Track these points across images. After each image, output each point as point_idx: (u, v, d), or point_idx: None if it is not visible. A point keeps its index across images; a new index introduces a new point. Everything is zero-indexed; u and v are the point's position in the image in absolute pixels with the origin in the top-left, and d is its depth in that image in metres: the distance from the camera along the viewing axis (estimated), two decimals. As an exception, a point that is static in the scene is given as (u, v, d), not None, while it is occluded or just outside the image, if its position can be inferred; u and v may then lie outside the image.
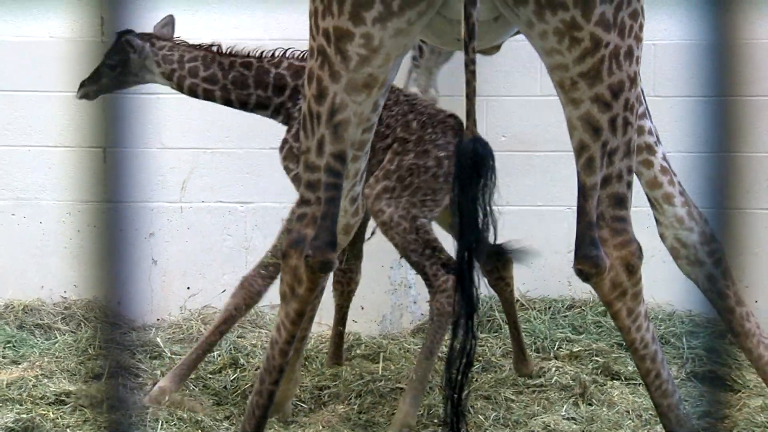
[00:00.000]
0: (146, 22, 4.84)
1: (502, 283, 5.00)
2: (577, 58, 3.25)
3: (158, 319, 5.82)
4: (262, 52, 4.89)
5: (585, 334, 5.58)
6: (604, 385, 5.02)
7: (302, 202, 3.47)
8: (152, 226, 5.93)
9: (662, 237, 4.22)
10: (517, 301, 5.81)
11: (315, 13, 3.30)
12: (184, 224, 5.55)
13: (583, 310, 5.80)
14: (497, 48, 4.32)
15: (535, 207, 5.83)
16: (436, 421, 4.56)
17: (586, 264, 3.38)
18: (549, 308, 5.82)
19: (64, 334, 5.61)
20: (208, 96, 4.90)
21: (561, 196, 5.83)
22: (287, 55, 4.91)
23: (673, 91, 5.73)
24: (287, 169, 4.80)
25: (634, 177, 3.51)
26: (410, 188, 4.55)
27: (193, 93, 4.92)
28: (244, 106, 4.91)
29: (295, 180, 4.76)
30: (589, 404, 4.78)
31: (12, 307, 5.82)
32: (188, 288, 5.87)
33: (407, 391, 4.51)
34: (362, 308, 5.89)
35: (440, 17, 3.32)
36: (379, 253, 5.27)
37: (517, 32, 3.56)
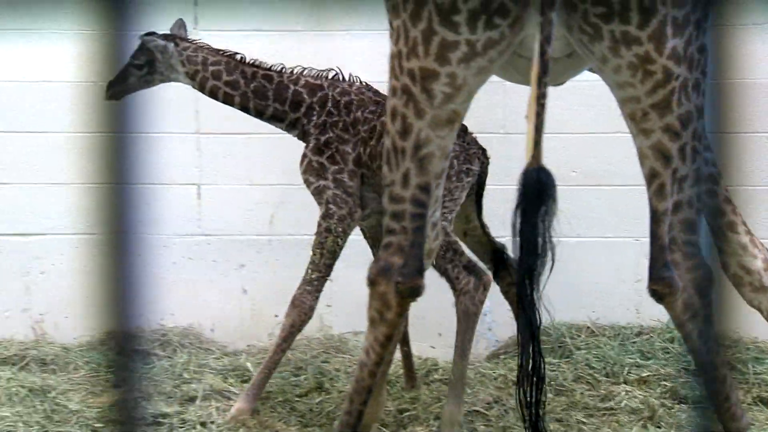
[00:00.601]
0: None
1: (514, 289, 5.03)
2: (649, 90, 3.30)
3: (248, 345, 5.89)
4: (282, 68, 4.98)
5: (653, 360, 5.56)
6: (672, 408, 5.00)
7: (388, 231, 3.48)
8: (243, 257, 6.02)
9: (725, 266, 4.17)
10: (588, 327, 5.84)
11: (398, 55, 3.35)
12: (272, 256, 5.66)
13: (651, 336, 5.78)
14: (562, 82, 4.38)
15: (603, 238, 5.85)
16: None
17: (660, 284, 3.40)
18: (618, 335, 5.80)
19: (161, 359, 5.71)
20: (227, 100, 4.99)
21: (628, 228, 5.83)
22: (305, 74, 4.99)
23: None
24: (307, 182, 4.91)
25: None
26: None
27: (213, 95, 5.00)
28: (260, 115, 5.01)
29: (316, 192, 4.89)
30: (658, 427, 4.76)
31: (113, 334, 5.93)
32: (276, 315, 5.94)
33: (450, 392, 4.60)
34: (440, 335, 5.91)
35: (515, 54, 3.37)
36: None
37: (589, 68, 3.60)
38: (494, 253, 5.01)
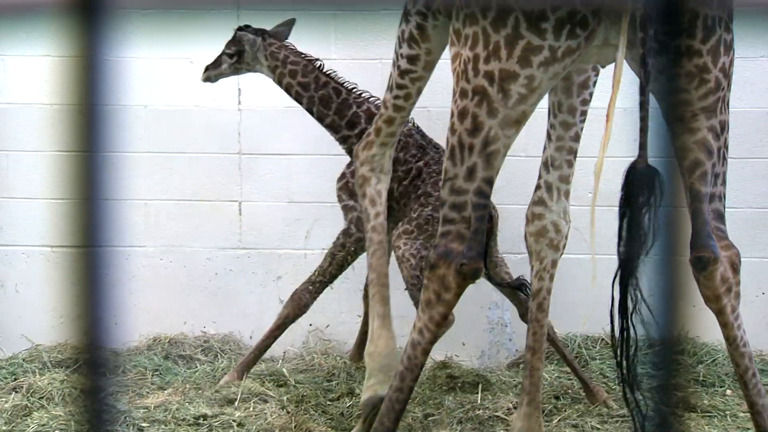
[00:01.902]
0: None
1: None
2: (702, 95, 3.47)
3: (284, 351, 5.92)
4: (353, 88, 5.11)
5: (663, 370, 5.54)
6: (681, 416, 4.98)
7: (446, 221, 3.57)
8: (280, 270, 6.06)
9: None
10: (602, 339, 5.83)
11: (474, 59, 3.41)
12: (307, 269, 5.68)
13: (663, 347, 5.76)
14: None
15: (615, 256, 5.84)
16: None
17: (706, 251, 3.49)
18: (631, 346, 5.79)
19: (203, 364, 5.75)
20: (297, 98, 5.17)
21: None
22: (370, 100, 5.11)
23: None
24: (339, 198, 5.10)
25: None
26: (425, 234, 4.77)
27: (287, 90, 5.19)
28: (320, 120, 5.17)
29: (345, 209, 5.09)
30: (668, 433, 4.76)
31: (159, 340, 5.99)
32: (310, 324, 5.97)
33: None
34: (463, 344, 5.93)
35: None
36: (478, 296, 5.36)
37: None
38: (511, 287, 5.10)
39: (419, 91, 4.25)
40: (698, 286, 3.56)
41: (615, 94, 3.38)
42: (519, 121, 3.45)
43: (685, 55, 3.41)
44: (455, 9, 3.51)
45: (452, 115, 3.53)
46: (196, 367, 5.71)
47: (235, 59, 5.19)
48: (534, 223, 4.43)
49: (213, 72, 5.23)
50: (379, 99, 5.11)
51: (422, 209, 4.86)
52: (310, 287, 5.12)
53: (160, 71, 5.98)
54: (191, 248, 6.12)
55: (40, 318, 6.12)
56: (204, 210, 6.10)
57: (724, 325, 3.63)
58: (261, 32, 5.18)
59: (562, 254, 4.45)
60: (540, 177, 4.45)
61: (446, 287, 3.57)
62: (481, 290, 5.40)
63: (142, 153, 6.04)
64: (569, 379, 5.38)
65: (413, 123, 5.13)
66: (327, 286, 5.16)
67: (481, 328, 5.90)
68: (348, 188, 5.05)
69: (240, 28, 5.18)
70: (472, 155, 3.48)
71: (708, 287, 3.56)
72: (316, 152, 5.78)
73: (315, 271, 5.16)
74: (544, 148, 4.43)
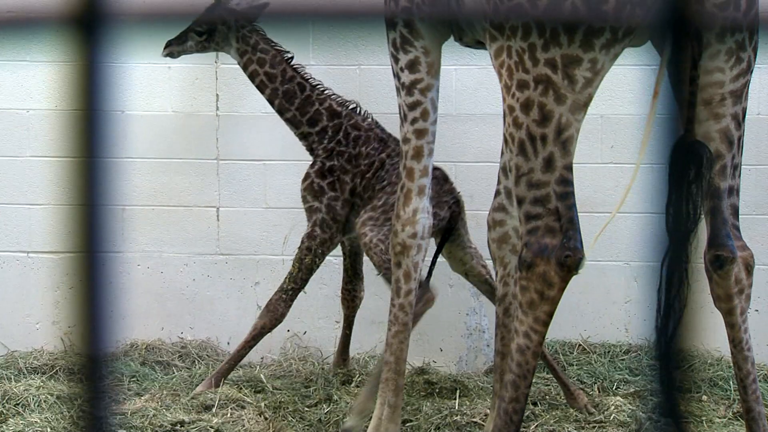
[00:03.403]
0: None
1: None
2: (734, 77, 3.45)
3: (262, 358, 5.91)
4: (316, 85, 5.05)
5: (641, 376, 5.58)
6: (659, 422, 5.00)
7: (530, 217, 3.45)
8: (258, 275, 6.04)
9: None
10: (579, 345, 5.85)
11: (530, 49, 3.34)
12: (285, 274, 5.66)
13: (639, 354, 5.80)
14: None
15: (596, 262, 5.86)
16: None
17: (724, 250, 3.47)
18: (608, 352, 5.82)
19: (181, 370, 5.73)
20: (260, 88, 5.08)
21: (619, 252, 5.85)
22: (332, 97, 5.07)
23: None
24: (304, 200, 5.05)
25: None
26: (389, 221, 4.73)
27: (251, 78, 5.09)
28: (280, 113, 5.12)
29: (309, 210, 5.02)
30: (645, 439, 4.79)
31: (136, 346, 5.97)
32: (288, 330, 5.96)
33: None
34: (441, 350, 5.93)
35: None
36: (456, 302, 5.36)
37: None
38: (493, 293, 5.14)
39: (435, 107, 4.12)
40: (710, 284, 3.53)
41: (661, 69, 3.33)
42: (586, 104, 3.38)
43: (728, 30, 3.38)
44: (490, 3, 3.43)
45: (512, 110, 3.42)
46: (174, 373, 5.68)
47: (204, 37, 5.03)
48: (496, 230, 4.40)
49: (177, 48, 5.06)
50: (339, 96, 5.11)
51: (387, 197, 4.85)
52: (284, 296, 5.08)
53: (137, 76, 5.96)
54: (169, 254, 6.10)
55: (15, 324, 6.09)
56: (182, 216, 6.08)
57: (732, 326, 3.61)
58: (233, 12, 5.05)
59: None
60: (499, 183, 4.41)
61: (549, 284, 3.42)
62: (459, 296, 5.42)
63: (120, 158, 6.01)
64: (546, 385, 5.39)
65: (372, 118, 5.12)
66: (299, 292, 5.12)
67: (459, 334, 5.90)
68: (313, 189, 5.01)
69: (216, 5, 5.05)
70: (547, 145, 3.38)
71: (721, 286, 3.54)
72: (293, 158, 5.76)
73: (285, 278, 5.11)
74: (502, 153, 4.41)
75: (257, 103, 5.54)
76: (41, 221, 6.02)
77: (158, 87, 5.94)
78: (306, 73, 5.11)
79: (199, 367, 5.73)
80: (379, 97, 5.80)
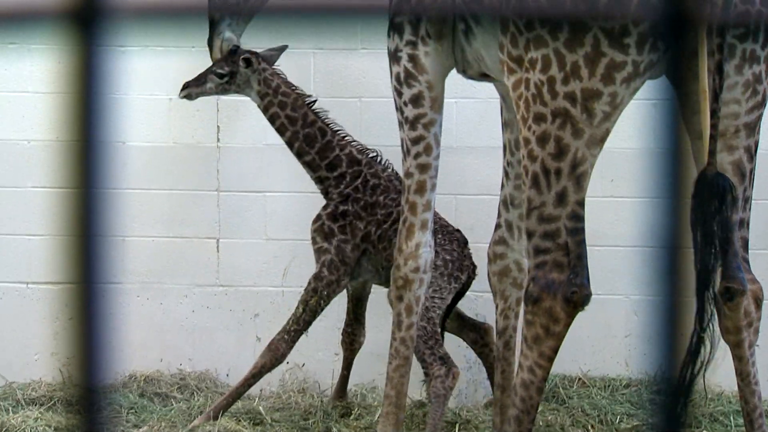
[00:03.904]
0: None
1: (486, 349, 5.15)
2: (749, 109, 3.47)
3: (261, 390, 5.88)
4: (337, 130, 5.04)
5: (641, 410, 5.56)
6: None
7: (538, 251, 3.43)
8: (257, 307, 6.03)
9: None
10: (580, 379, 5.83)
11: (549, 82, 3.32)
12: (285, 306, 5.66)
13: (639, 388, 5.78)
14: None
15: (596, 296, 5.82)
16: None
17: (735, 282, 3.47)
18: (608, 386, 5.80)
19: (179, 402, 5.69)
20: (281, 131, 5.03)
21: (618, 286, 5.84)
22: (353, 144, 5.06)
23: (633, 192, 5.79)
24: (313, 240, 5.01)
25: None
26: None
27: (271, 120, 5.05)
28: (299, 156, 5.07)
29: (317, 251, 4.97)
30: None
31: (135, 377, 5.93)
32: (287, 362, 5.92)
33: None
34: (438, 383, 5.90)
35: None
36: (456, 336, 5.34)
37: None
38: (464, 326, 5.18)
39: (438, 141, 4.12)
40: (719, 317, 3.52)
41: (706, 105, 3.30)
42: (603, 139, 3.37)
43: (747, 61, 3.38)
44: (507, 36, 3.42)
45: (527, 143, 3.40)
46: (172, 405, 5.64)
47: (225, 79, 4.98)
48: (497, 263, 4.41)
49: (195, 90, 4.99)
50: (359, 143, 5.11)
51: None
52: (286, 336, 5.03)
53: (139, 108, 5.97)
54: (168, 285, 6.09)
55: (14, 355, 6.07)
56: (182, 247, 6.07)
57: (740, 359, 3.60)
58: (255, 55, 5.04)
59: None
60: (500, 216, 4.42)
61: (555, 319, 3.42)
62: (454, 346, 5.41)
63: (120, 189, 6.01)
64: (544, 416, 5.37)
65: (392, 169, 5.11)
66: (302, 333, 5.07)
67: (459, 367, 5.86)
68: (323, 231, 4.99)
69: (236, 48, 5.03)
70: (561, 179, 3.36)
71: (731, 319, 3.53)
72: (293, 190, 5.76)
73: (289, 319, 5.07)
74: (502, 186, 4.41)
75: (258, 134, 5.55)
76: (40, 252, 6.02)
77: (159, 118, 5.95)
78: (327, 118, 5.08)
79: (198, 399, 5.69)
80: (380, 130, 5.82)
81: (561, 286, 3.38)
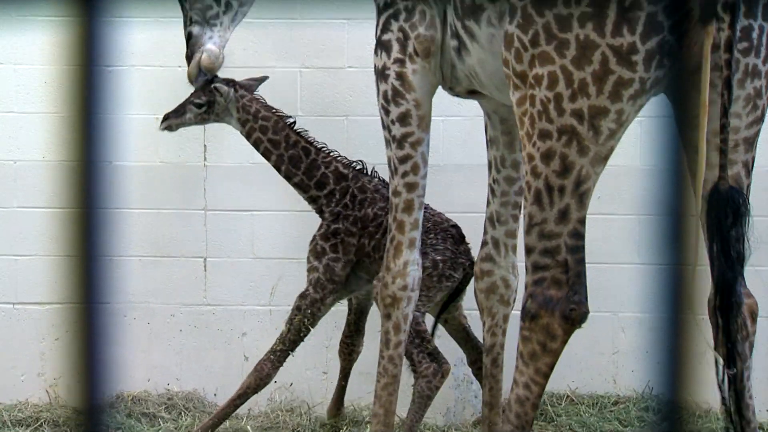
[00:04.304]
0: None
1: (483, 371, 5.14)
2: (749, 123, 3.47)
3: (249, 409, 5.86)
4: (322, 147, 5.05)
5: (629, 427, 5.56)
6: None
7: (537, 268, 3.43)
8: (245, 326, 6.02)
9: None
10: (568, 396, 5.83)
11: (556, 99, 3.32)
12: (272, 325, 5.65)
13: (628, 405, 5.78)
14: None
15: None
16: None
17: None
18: (596, 403, 5.80)
19: (167, 422, 5.68)
20: (265, 155, 5.06)
21: (605, 303, 5.84)
22: (338, 159, 5.07)
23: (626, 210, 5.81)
24: (308, 260, 5.01)
25: None
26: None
27: (255, 146, 5.07)
28: (287, 179, 5.09)
29: (308, 270, 4.98)
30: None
31: (122, 397, 5.90)
32: (275, 381, 5.91)
33: None
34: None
35: None
36: (444, 353, 5.33)
37: None
38: (468, 342, 5.12)
39: (425, 160, 4.13)
40: (714, 330, 3.54)
41: (704, 118, 3.31)
42: (607, 157, 3.37)
43: (749, 75, 3.40)
44: (511, 51, 3.42)
45: (531, 159, 3.40)
46: (160, 425, 5.63)
47: (203, 109, 5.01)
48: (483, 280, 4.43)
49: (175, 121, 5.01)
50: (344, 157, 5.12)
51: None
52: (272, 356, 5.01)
53: (126, 127, 5.96)
54: (155, 304, 6.07)
55: (0, 375, 6.04)
56: (169, 266, 6.06)
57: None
58: (233, 83, 5.07)
59: (512, 308, 4.48)
60: (486, 233, 4.44)
61: (552, 336, 3.41)
62: (447, 347, 5.39)
63: (108, 209, 6.00)
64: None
65: (379, 177, 5.12)
66: (288, 354, 5.05)
67: (447, 385, 5.85)
68: (316, 250, 5.00)
69: (212, 79, 5.05)
70: (564, 197, 3.36)
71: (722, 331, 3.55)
72: (280, 209, 5.76)
73: (276, 339, 5.07)
74: (488, 203, 4.43)
75: (245, 154, 5.54)
76: (27, 272, 6.00)
77: (147, 138, 5.94)
78: (310, 137, 5.08)
79: (186, 419, 5.68)
80: (367, 148, 5.83)
81: (559, 303, 3.39)
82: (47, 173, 5.87)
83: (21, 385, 6.02)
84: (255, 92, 5.15)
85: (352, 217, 4.98)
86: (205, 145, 6.00)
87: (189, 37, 4.95)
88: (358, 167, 5.12)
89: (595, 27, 3.24)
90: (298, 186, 5.08)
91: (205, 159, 6.01)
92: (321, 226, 5.04)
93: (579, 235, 3.42)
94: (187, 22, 4.95)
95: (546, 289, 3.41)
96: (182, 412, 5.80)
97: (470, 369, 5.42)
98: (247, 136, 5.08)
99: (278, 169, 5.08)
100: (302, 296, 4.99)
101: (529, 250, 3.45)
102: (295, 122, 5.10)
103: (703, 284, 3.64)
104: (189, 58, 4.99)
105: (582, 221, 3.42)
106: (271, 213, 5.93)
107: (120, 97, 5.93)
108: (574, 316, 3.40)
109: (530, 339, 3.45)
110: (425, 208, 4.99)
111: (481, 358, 5.06)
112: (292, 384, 5.97)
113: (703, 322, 4.04)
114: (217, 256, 6.07)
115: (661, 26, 3.25)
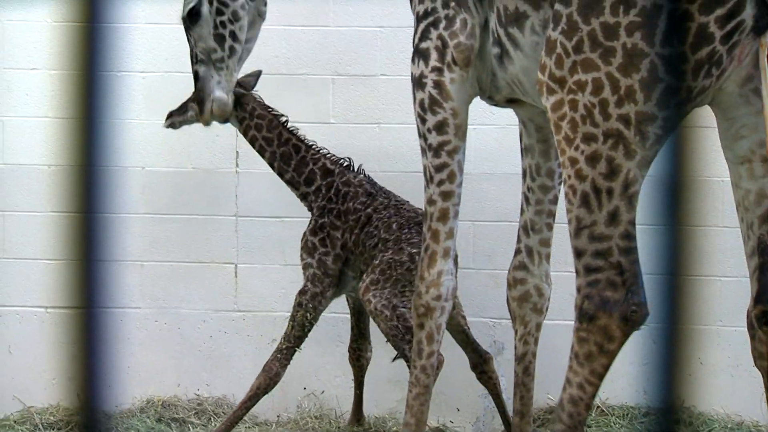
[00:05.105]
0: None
1: (485, 376, 5.11)
2: None
3: (278, 416, 5.89)
4: (311, 145, 5.13)
5: (660, 440, 5.52)
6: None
7: (590, 270, 3.40)
8: (275, 333, 6.01)
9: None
10: (598, 407, 5.80)
11: (601, 104, 3.31)
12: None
13: (658, 417, 5.74)
14: None
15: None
16: None
17: None
18: (626, 414, 5.77)
19: (197, 427, 5.71)
20: (260, 152, 5.19)
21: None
22: (327, 156, 5.14)
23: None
24: (301, 257, 5.10)
25: None
26: (390, 280, 4.73)
27: (251, 143, 5.20)
28: (280, 175, 5.20)
29: (303, 267, 5.05)
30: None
31: (152, 402, 5.94)
32: (304, 388, 5.93)
33: None
34: (458, 410, 5.89)
35: None
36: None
37: None
38: (468, 345, 5.11)
39: (461, 169, 4.12)
40: (752, 342, 3.52)
41: None
42: (652, 161, 3.35)
43: None
44: (552, 56, 3.40)
45: (574, 162, 3.39)
46: (189, 430, 5.66)
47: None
48: (516, 288, 4.42)
49: (178, 119, 5.16)
50: (333, 155, 5.14)
51: (382, 255, 4.85)
52: (278, 355, 5.05)
53: (157, 133, 6.01)
54: (186, 310, 6.10)
55: (32, 379, 6.09)
56: (200, 272, 6.09)
57: None
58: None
59: (545, 317, 4.47)
60: (519, 241, 4.43)
61: (610, 337, 3.37)
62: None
63: (139, 214, 6.05)
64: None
65: (364, 174, 5.16)
66: (294, 351, 5.07)
67: (476, 394, 5.87)
68: (307, 247, 5.08)
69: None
70: (613, 199, 3.34)
71: (765, 343, 3.53)
72: (309, 215, 5.77)
73: (281, 338, 5.10)
74: (522, 211, 4.42)
75: (277, 160, 5.56)
76: (60, 276, 6.04)
77: (178, 143, 5.98)
78: (302, 135, 5.18)
79: (215, 424, 5.67)
80: (399, 157, 5.83)
81: (617, 304, 3.36)
82: (78, 178, 5.92)
83: (52, 389, 6.06)
84: (252, 89, 5.23)
85: (336, 211, 5.05)
86: (237, 152, 6.02)
87: (196, 76, 5.04)
88: (345, 164, 5.17)
89: (644, 36, 3.23)
90: (290, 183, 5.18)
91: (237, 165, 6.04)
92: (310, 222, 5.10)
93: (631, 237, 3.38)
94: (194, 59, 5.05)
95: (602, 291, 3.37)
96: (212, 418, 5.82)
97: (502, 378, 5.40)
98: (244, 134, 5.21)
99: (272, 166, 5.20)
100: (302, 292, 5.04)
101: (579, 253, 3.42)
102: (287, 120, 5.17)
103: (740, 296, 3.61)
104: (196, 100, 5.08)
105: (632, 223, 3.39)
106: (302, 220, 5.92)
107: (153, 103, 5.97)
108: (636, 317, 3.36)
109: (587, 340, 3.41)
110: (397, 201, 5.02)
111: (482, 362, 5.07)
112: (323, 392, 5.97)
113: (736, 333, 4.02)
114: (248, 262, 6.09)
115: (712, 37, 3.24)
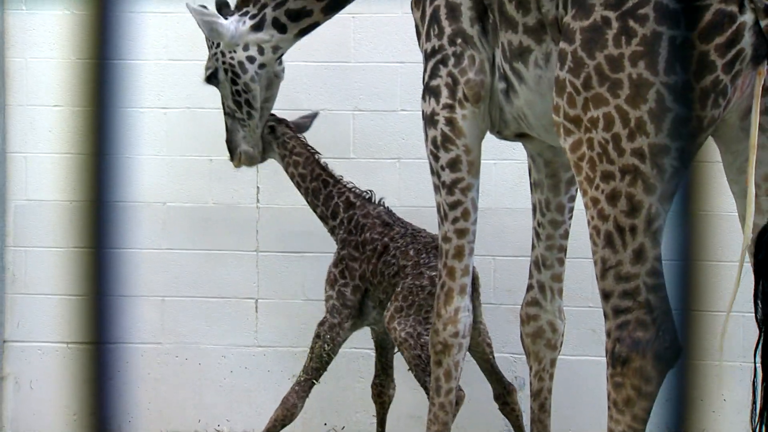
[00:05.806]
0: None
1: (507, 408, 5.08)
2: None
3: (298, 451, 5.87)
4: (339, 180, 5.19)
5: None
6: None
7: (619, 311, 3.34)
8: (296, 368, 5.93)
9: None
10: None
11: (614, 140, 3.29)
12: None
13: None
14: None
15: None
16: None
17: None
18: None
19: (217, 462, 5.72)
20: (298, 187, 5.31)
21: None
22: (351, 189, 5.18)
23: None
24: (325, 290, 5.12)
25: None
26: (414, 306, 4.74)
27: (291, 179, 5.32)
28: (313, 210, 5.29)
29: (325, 299, 5.06)
30: None
31: (173, 437, 5.97)
32: (325, 424, 5.93)
33: None
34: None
35: None
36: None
37: None
38: (492, 374, 5.09)
39: (475, 206, 4.11)
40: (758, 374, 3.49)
41: (752, 162, 3.29)
42: (674, 194, 3.31)
43: None
44: (563, 97, 3.39)
45: (596, 203, 3.35)
46: (210, 465, 5.67)
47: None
48: (530, 324, 4.40)
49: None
50: (357, 188, 5.16)
51: (403, 282, 4.85)
52: (296, 387, 5.05)
53: (179, 168, 6.05)
54: (207, 345, 6.11)
55: (53, 415, 6.10)
56: (220, 307, 6.10)
57: None
58: (280, 121, 5.32)
59: (559, 353, 4.44)
60: (531, 277, 4.41)
61: (647, 379, 3.31)
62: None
63: (160, 250, 6.07)
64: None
65: (383, 205, 5.18)
66: (312, 383, 5.06)
67: (498, 428, 5.85)
68: (330, 279, 5.11)
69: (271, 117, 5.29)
70: (637, 236, 3.30)
71: None
72: (331, 251, 5.78)
73: (300, 372, 5.09)
74: (533, 247, 4.41)
75: (297, 195, 5.57)
76: (81, 312, 6.06)
77: (199, 179, 6.01)
78: (332, 171, 5.23)
79: (235, 460, 5.71)
80: (419, 192, 5.85)
81: (649, 344, 3.30)
82: (98, 214, 5.95)
83: (73, 425, 6.07)
84: (308, 129, 5.37)
85: (354, 242, 5.08)
86: (258, 187, 6.05)
87: (226, 126, 5.19)
88: (367, 196, 5.21)
89: (647, 65, 3.23)
90: (321, 218, 5.27)
91: (258, 200, 6.07)
92: (334, 255, 5.14)
93: (658, 273, 3.33)
94: (224, 109, 5.15)
95: (632, 332, 3.32)
96: (232, 453, 5.83)
97: (522, 414, 5.38)
98: (285, 170, 5.33)
99: (307, 201, 5.30)
100: (321, 324, 5.05)
101: (606, 295, 3.36)
102: (320, 156, 5.24)
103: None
104: (228, 143, 5.23)
105: (659, 259, 3.33)
106: (322, 255, 5.93)
107: (175, 138, 6.02)
108: (669, 355, 3.32)
109: (623, 385, 3.35)
110: (414, 229, 5.03)
111: (505, 393, 5.04)
112: (344, 428, 5.96)
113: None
114: (269, 298, 6.10)
115: (714, 65, 3.23)
